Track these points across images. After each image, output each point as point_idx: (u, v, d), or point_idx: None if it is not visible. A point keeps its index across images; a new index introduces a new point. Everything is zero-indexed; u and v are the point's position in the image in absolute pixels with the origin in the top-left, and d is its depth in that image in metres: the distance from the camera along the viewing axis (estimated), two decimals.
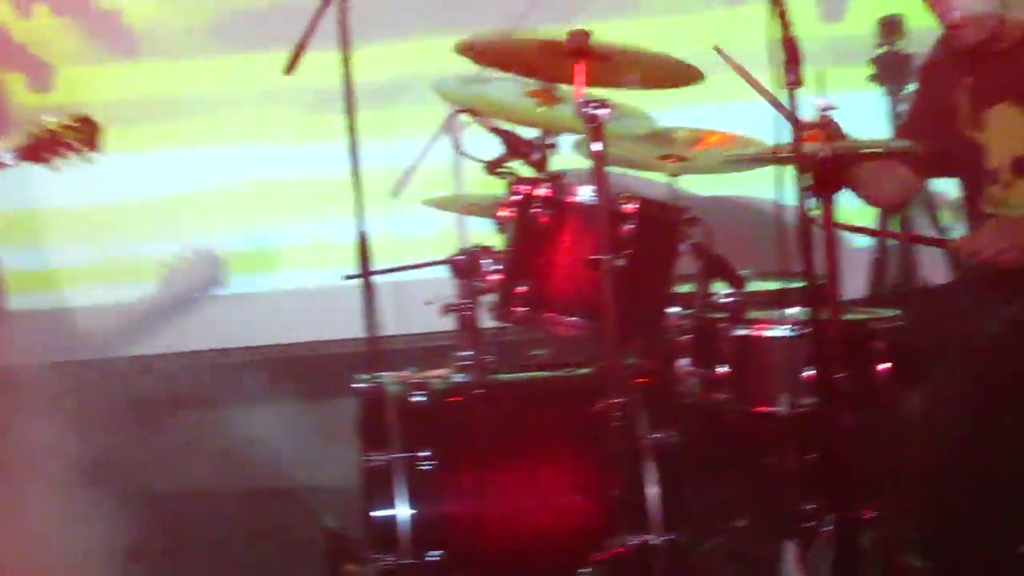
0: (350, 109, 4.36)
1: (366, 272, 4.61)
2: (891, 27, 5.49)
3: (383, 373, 4.22)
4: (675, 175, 4.70)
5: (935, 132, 4.19)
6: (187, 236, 5.94)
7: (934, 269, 5.62)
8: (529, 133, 4.27)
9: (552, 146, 4.26)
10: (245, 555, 5.01)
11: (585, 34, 3.90)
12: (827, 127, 3.64)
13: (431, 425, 4.02)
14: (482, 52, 4.09)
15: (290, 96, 5.87)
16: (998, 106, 4.10)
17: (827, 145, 3.61)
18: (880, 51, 5.52)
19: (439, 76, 4.60)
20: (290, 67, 4.38)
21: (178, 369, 5.97)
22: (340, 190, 4.43)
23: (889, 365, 3.84)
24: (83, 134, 4.34)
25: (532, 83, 4.42)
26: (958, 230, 5.46)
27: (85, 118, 4.36)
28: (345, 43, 4.32)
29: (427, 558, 3.90)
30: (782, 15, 3.47)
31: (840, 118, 3.75)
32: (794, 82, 3.46)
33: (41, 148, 4.30)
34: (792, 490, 3.95)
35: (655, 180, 4.83)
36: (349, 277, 4.67)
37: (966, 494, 3.76)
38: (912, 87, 5.65)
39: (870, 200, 4.46)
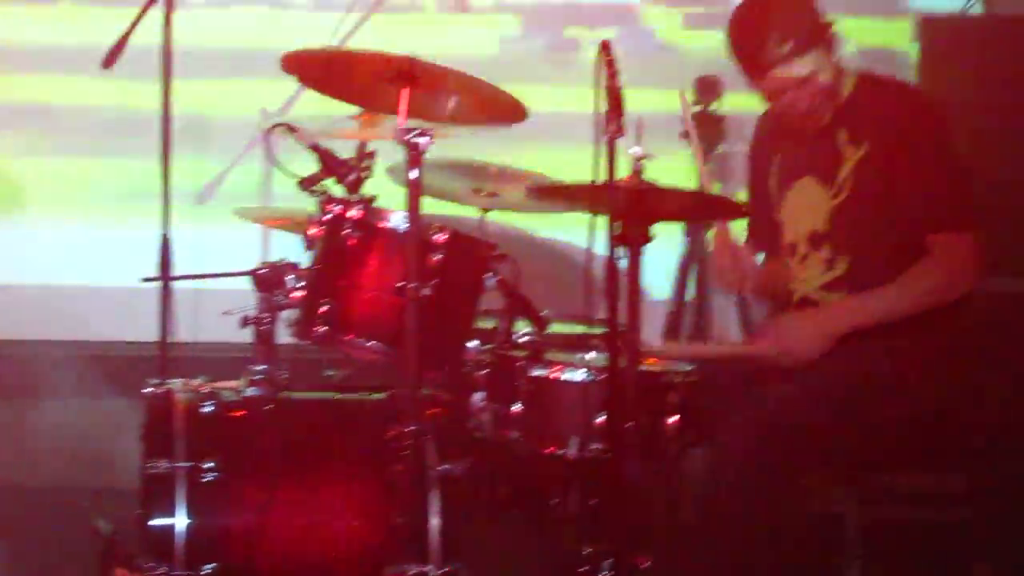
0: (166, 113, 4.32)
1: (165, 276, 4.55)
2: (708, 87, 5.60)
3: (174, 379, 4.15)
4: (486, 210, 4.73)
5: (756, 209, 4.30)
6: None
7: (726, 327, 5.75)
8: (346, 153, 4.25)
9: (368, 169, 4.25)
10: (15, 553, 4.88)
11: (411, 60, 3.89)
12: (639, 175, 3.68)
13: (217, 436, 3.96)
14: (307, 67, 4.05)
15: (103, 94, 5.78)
16: (799, 182, 4.20)
17: (630, 183, 3.65)
18: (695, 110, 5.62)
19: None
20: (109, 60, 4.31)
21: None
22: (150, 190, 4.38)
23: (678, 418, 3.88)
24: None
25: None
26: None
27: None
28: (167, 44, 4.28)
29: (202, 571, 3.84)
30: (609, 64, 3.51)
31: (653, 171, 3.79)
32: (615, 132, 3.50)
33: None
34: (572, 533, 3.98)
35: (467, 215, 4.84)
36: (148, 279, 4.61)
37: (744, 553, 3.83)
38: (723, 147, 5.80)
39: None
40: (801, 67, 4.04)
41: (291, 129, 4.11)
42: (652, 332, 5.57)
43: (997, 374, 4.77)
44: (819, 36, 4.06)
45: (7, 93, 6.11)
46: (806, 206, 4.18)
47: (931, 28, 5.52)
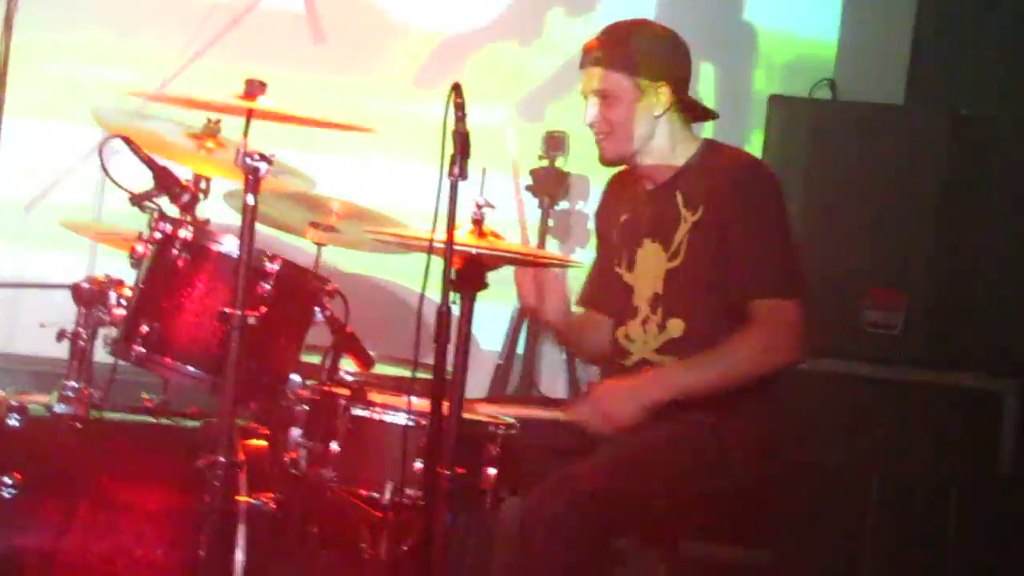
0: None
1: None
2: (555, 143, 5.61)
3: None
4: (321, 244, 4.66)
5: (604, 271, 4.30)
6: None
7: (553, 384, 5.75)
8: (183, 173, 4.17)
9: (203, 191, 4.17)
10: None
11: (262, 85, 3.82)
12: (480, 224, 3.65)
13: (21, 451, 3.83)
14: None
15: None
16: (644, 243, 4.21)
17: (478, 243, 3.62)
18: (540, 163, 5.62)
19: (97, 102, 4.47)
20: None
21: None
22: None
23: (496, 471, 3.84)
24: None
25: (192, 125, 4.33)
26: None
27: None
28: (7, 39, 4.14)
29: None
30: (459, 107, 3.48)
31: (494, 219, 3.76)
32: (459, 175, 3.46)
33: None
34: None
35: (302, 246, 4.77)
36: None
37: None
38: (565, 203, 5.82)
39: (595, 357, 4.51)
40: (604, 82, 4.10)
41: (127, 141, 4.00)
42: (480, 382, 5.55)
43: (815, 452, 4.84)
44: (640, 70, 4.10)
45: None
46: (649, 268, 4.19)
47: (779, 106, 5.62)
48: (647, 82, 4.12)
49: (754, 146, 5.76)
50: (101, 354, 4.02)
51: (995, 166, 5.48)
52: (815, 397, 5.09)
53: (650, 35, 4.19)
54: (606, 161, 4.23)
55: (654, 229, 4.19)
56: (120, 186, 4.00)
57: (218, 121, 4.41)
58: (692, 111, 4.23)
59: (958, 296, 5.36)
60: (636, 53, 4.12)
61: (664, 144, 4.16)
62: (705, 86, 6.07)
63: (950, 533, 5.16)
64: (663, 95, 4.13)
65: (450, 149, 3.47)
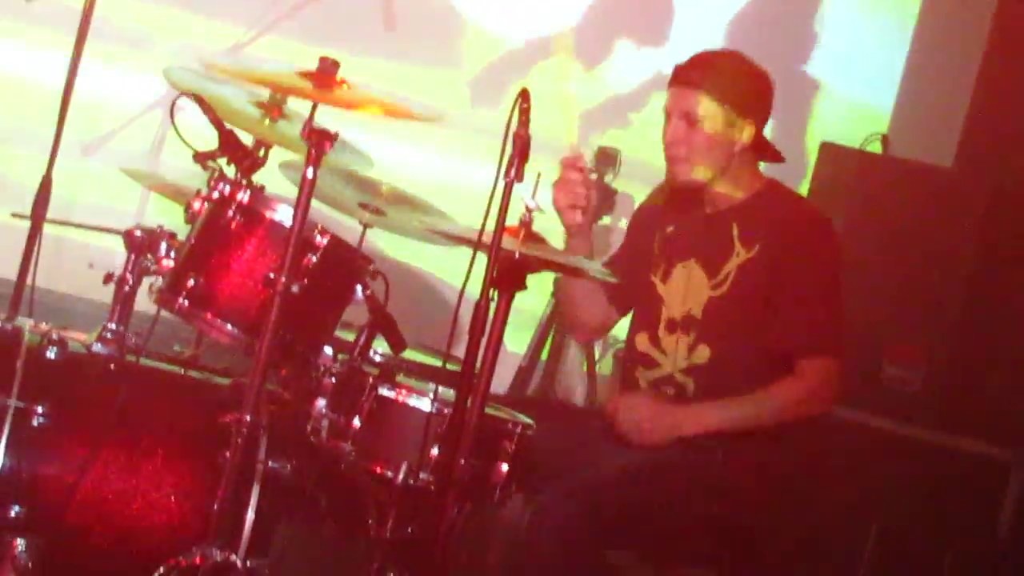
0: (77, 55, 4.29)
1: (37, 216, 4.50)
2: (606, 158, 5.68)
3: (24, 319, 4.12)
4: (368, 225, 4.74)
5: (630, 270, 4.35)
6: None
7: (571, 391, 5.82)
8: (246, 139, 4.27)
9: (263, 159, 4.27)
10: None
11: (335, 64, 3.92)
12: (528, 226, 3.73)
13: (55, 383, 3.93)
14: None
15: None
16: (686, 262, 4.28)
17: (523, 245, 3.70)
18: (591, 177, 5.69)
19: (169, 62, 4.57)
20: None
21: None
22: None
23: (508, 467, 3.92)
24: None
25: (259, 94, 4.42)
26: (604, 364, 5.69)
27: None
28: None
29: (9, 512, 3.81)
30: (524, 112, 3.56)
31: (542, 223, 3.84)
32: (515, 177, 3.54)
33: None
34: (377, 556, 3.98)
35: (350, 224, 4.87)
36: (17, 215, 4.56)
37: None
38: (607, 219, 5.89)
39: (569, 318, 4.58)
40: (697, 105, 4.15)
41: (200, 101, 4.10)
42: (501, 381, 5.63)
43: (819, 493, 4.90)
44: (733, 102, 4.16)
45: None
46: (687, 288, 4.25)
47: (829, 153, 5.67)
48: (736, 115, 4.17)
49: (800, 192, 5.82)
50: (144, 302, 4.12)
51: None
52: (827, 441, 5.15)
53: (748, 71, 4.24)
54: (677, 184, 4.26)
55: (702, 253, 4.25)
56: (187, 142, 4.09)
57: (284, 96, 4.51)
58: (764, 151, 4.28)
59: (977, 362, 5.41)
60: (734, 84, 4.17)
61: (734, 175, 4.22)
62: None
63: None
64: (747, 131, 4.19)
65: (509, 151, 3.56)
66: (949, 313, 5.40)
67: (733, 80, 4.18)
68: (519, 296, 3.76)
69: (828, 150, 5.70)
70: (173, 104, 4.20)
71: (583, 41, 6.27)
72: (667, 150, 4.23)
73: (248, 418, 3.79)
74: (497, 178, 3.54)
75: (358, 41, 5.99)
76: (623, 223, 5.92)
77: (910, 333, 5.40)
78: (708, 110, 4.15)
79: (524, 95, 3.56)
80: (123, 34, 5.92)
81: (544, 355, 5.76)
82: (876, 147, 5.98)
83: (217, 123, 4.09)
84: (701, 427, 4.12)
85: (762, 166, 4.32)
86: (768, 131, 4.25)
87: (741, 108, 4.17)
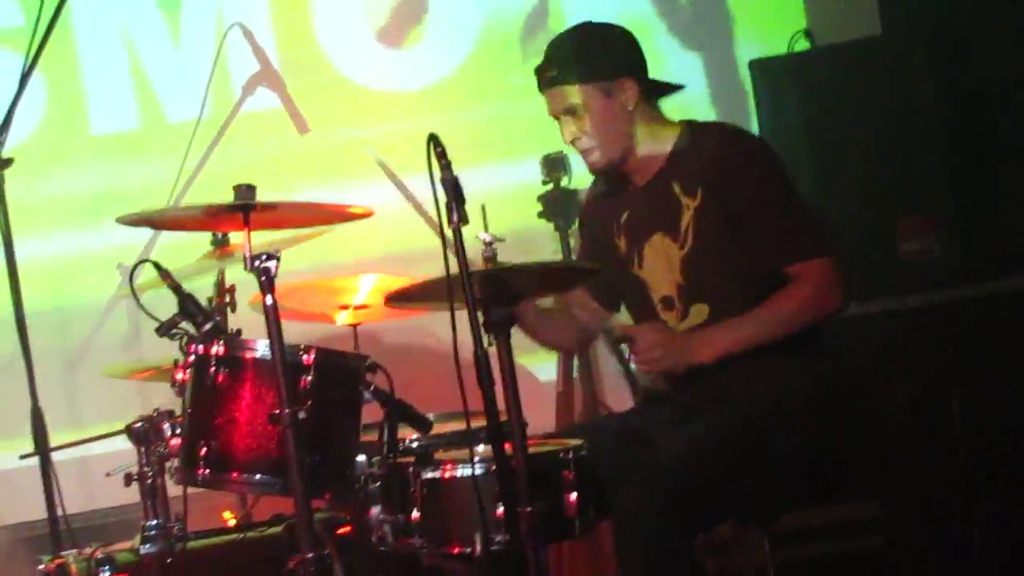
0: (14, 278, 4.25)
1: (43, 449, 4.45)
2: (554, 164, 5.62)
3: (67, 551, 4.06)
4: (355, 323, 4.70)
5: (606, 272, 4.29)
6: None
7: (619, 399, 5.74)
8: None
9: (230, 304, 4.22)
10: None
11: (251, 189, 3.87)
12: (492, 261, 3.68)
13: None
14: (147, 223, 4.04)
15: None
16: (653, 238, 4.22)
17: (487, 267, 3.65)
18: (546, 188, 5.65)
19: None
20: None
21: None
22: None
23: (576, 494, 3.85)
24: None
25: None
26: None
27: None
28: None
29: None
30: (441, 156, 3.51)
31: (507, 252, 3.78)
32: (459, 220, 3.49)
33: None
34: None
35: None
36: (25, 456, 4.51)
37: None
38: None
39: (551, 346, 4.53)
40: (569, 97, 4.12)
41: (157, 267, 4.04)
42: (547, 415, 5.56)
43: (876, 395, 4.82)
44: (598, 74, 4.12)
45: None
46: (663, 262, 4.20)
47: (761, 70, 5.62)
48: (608, 82, 4.13)
49: (751, 116, 5.77)
50: (174, 486, 4.06)
51: (978, 76, 5.45)
52: (871, 338, 5.09)
53: (593, 36, 4.21)
54: (598, 171, 4.25)
55: (658, 222, 4.19)
56: (150, 315, 4.03)
57: (225, 234, 4.47)
58: (660, 92, 4.23)
59: (985, 204, 5.34)
60: (587, 59, 4.14)
61: (645, 136, 4.18)
62: (695, 76, 6.11)
63: None
64: (628, 88, 4.15)
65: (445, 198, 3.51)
66: (937, 170, 5.34)
67: (585, 55, 4.15)
68: None
69: (759, 66, 5.64)
70: (132, 273, 4.14)
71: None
72: (574, 147, 4.21)
73: (311, 555, 3.72)
74: (441, 225, 3.49)
75: (283, 151, 5.97)
76: None
77: (910, 204, 5.33)
78: (582, 96, 4.13)
79: (434, 139, 3.51)
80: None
81: (575, 372, 5.69)
82: (803, 44, 5.92)
83: (174, 288, 4.03)
84: (713, 350, 4.05)
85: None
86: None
87: (608, 73, 4.14)
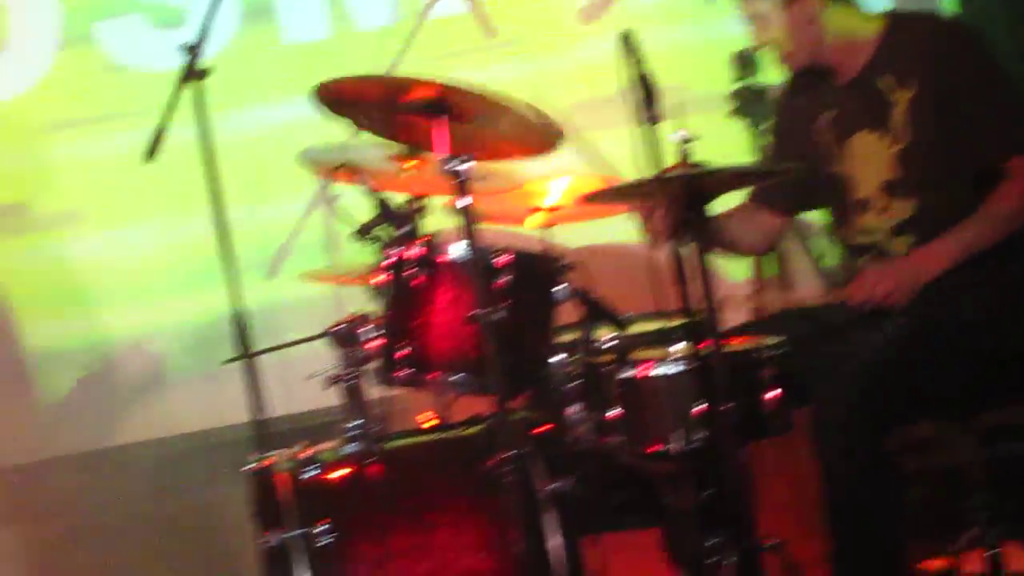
0: (216, 190, 4.31)
1: (247, 353, 4.54)
2: (744, 61, 5.55)
3: (273, 451, 4.16)
4: (547, 226, 4.70)
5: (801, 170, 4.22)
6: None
7: (806, 293, 5.68)
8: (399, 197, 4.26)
9: (420, 209, 4.25)
10: None
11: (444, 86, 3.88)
12: (686, 159, 3.65)
13: (325, 499, 3.95)
14: (336, 93, 4.06)
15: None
16: (857, 135, 4.14)
17: (686, 168, 3.61)
18: (737, 85, 5.57)
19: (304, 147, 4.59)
20: (151, 153, 4.30)
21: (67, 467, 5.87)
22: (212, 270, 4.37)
23: (778, 392, 3.83)
24: None
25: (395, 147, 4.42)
26: (831, 257, 5.55)
27: None
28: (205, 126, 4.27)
29: None
30: (631, 52, 3.49)
31: (702, 151, 3.75)
32: (652, 118, 3.47)
33: None
34: (693, 526, 3.93)
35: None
36: (229, 361, 4.61)
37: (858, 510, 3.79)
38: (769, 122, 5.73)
39: (735, 252, 4.49)
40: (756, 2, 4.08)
41: (354, 170, 4.09)
42: (740, 315, 5.52)
43: None
44: None
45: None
46: (869, 158, 4.12)
47: None
48: None
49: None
50: (372, 388, 4.12)
51: None
52: None
53: None
54: (796, 69, 4.16)
55: (865, 118, 4.11)
56: (347, 223, 4.09)
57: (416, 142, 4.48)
58: None
59: None
60: None
61: (842, 33, 4.09)
62: None
63: None
64: None
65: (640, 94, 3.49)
66: None
67: None
68: None
69: None
70: (326, 184, 4.20)
71: None
72: (771, 52, 4.14)
73: (510, 453, 3.76)
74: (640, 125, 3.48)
75: (469, 59, 5.95)
76: None
77: None
78: (769, 2, 4.06)
79: (626, 38, 3.49)
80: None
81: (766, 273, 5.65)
82: None
83: (370, 192, 4.07)
84: (940, 263, 3.99)
85: None
86: None
87: None
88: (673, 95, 3.54)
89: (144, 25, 6.00)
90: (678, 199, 3.60)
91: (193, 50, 4.22)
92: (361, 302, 4.20)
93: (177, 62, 4.20)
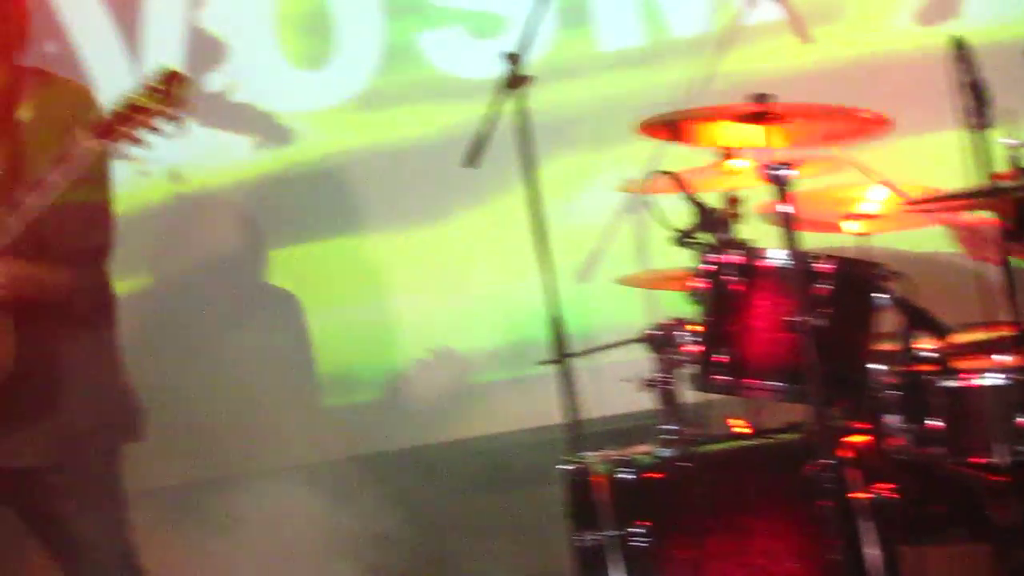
0: (535, 197, 4.39)
1: (562, 356, 4.61)
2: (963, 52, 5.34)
3: (587, 453, 4.21)
4: (865, 235, 4.63)
5: None
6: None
7: None
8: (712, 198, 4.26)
9: (735, 213, 4.25)
10: None
11: (765, 96, 3.89)
12: (1017, 166, 3.56)
13: (640, 501, 4.00)
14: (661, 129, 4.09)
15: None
16: None
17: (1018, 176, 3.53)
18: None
19: None
20: (471, 159, 4.40)
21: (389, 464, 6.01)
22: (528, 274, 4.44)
23: None
24: (166, 95, 3.66)
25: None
26: None
27: (170, 74, 3.68)
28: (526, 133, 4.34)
29: None
30: (962, 59, 3.42)
31: None
32: (982, 124, 3.40)
33: (119, 123, 3.64)
34: (1018, 541, 3.84)
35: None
36: (544, 363, 4.67)
37: None
38: None
39: None
40: None
41: (675, 178, 4.11)
42: None
43: None
44: None
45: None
46: None
47: None
48: None
49: None
50: (685, 392, 4.14)
51: None
52: None
53: None
54: None
55: None
56: (667, 227, 4.12)
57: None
58: None
59: None
60: None
61: None
62: None
63: None
64: None
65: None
66: None
67: None
68: None
69: None
70: (646, 190, 4.23)
71: None
72: None
73: (830, 461, 3.74)
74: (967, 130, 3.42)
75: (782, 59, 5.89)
76: None
77: None
78: None
79: (957, 44, 3.43)
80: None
81: None
82: None
83: (690, 198, 4.10)
84: None
85: None
86: None
87: None
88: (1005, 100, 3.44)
89: (466, 36, 6.11)
90: (1009, 210, 3.51)
91: (515, 58, 4.32)
92: (671, 307, 4.23)
93: (496, 71, 4.31)
